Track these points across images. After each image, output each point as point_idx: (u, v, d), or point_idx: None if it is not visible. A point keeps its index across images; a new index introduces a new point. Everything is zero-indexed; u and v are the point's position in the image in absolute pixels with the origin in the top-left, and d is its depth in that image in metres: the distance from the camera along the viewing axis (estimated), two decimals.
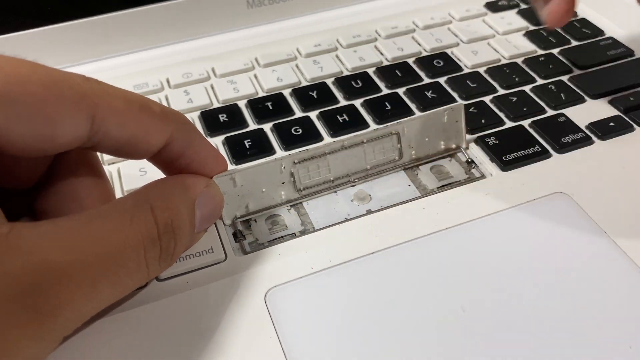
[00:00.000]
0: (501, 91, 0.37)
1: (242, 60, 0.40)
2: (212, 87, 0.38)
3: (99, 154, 0.26)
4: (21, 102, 0.19)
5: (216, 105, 0.37)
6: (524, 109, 0.35)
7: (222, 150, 0.33)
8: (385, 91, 0.37)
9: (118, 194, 0.30)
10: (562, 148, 0.32)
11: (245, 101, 0.37)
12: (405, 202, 0.29)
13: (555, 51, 0.40)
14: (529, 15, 0.44)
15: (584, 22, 0.43)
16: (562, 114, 0.34)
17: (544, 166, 0.31)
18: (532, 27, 0.43)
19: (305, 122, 0.35)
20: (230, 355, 0.23)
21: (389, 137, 0.30)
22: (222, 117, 0.35)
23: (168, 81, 0.39)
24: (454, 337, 0.23)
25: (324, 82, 0.38)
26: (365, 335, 0.24)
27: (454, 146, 0.32)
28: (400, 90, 0.37)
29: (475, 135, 0.33)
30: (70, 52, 0.40)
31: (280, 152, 0.33)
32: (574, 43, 0.41)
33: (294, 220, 0.29)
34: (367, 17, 0.44)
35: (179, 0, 0.40)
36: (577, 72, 0.38)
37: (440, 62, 0.39)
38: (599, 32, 0.42)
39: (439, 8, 0.45)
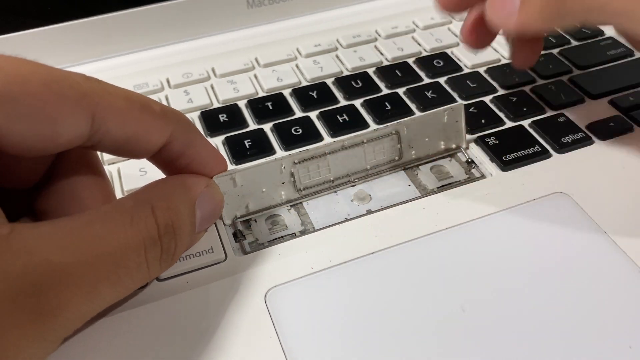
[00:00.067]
0: (501, 91, 0.37)
1: (242, 60, 0.40)
2: (212, 87, 0.38)
3: (99, 153, 0.26)
4: (22, 101, 0.19)
5: (216, 105, 0.37)
6: (524, 109, 0.35)
7: (222, 150, 0.33)
8: (385, 91, 0.37)
9: (118, 194, 0.30)
10: (562, 148, 0.32)
11: (245, 101, 0.37)
12: (405, 202, 0.29)
13: (555, 51, 0.40)
14: None
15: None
16: (562, 114, 0.34)
17: (544, 166, 0.31)
18: None
19: (305, 122, 0.35)
20: (230, 355, 0.23)
21: (389, 137, 0.30)
22: (222, 117, 0.35)
23: (168, 81, 0.39)
24: (454, 337, 0.23)
25: (324, 82, 0.38)
26: (365, 335, 0.24)
27: (454, 146, 0.32)
28: (400, 90, 0.37)
29: (475, 135, 0.33)
30: (70, 52, 0.40)
31: (280, 152, 0.33)
32: (574, 43, 0.41)
33: (294, 220, 0.29)
34: (367, 17, 0.44)
35: (179, 0, 0.40)
36: (577, 72, 0.38)
37: (440, 62, 0.39)
38: (599, 32, 0.42)
39: None
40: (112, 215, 0.20)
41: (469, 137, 0.33)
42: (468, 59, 0.40)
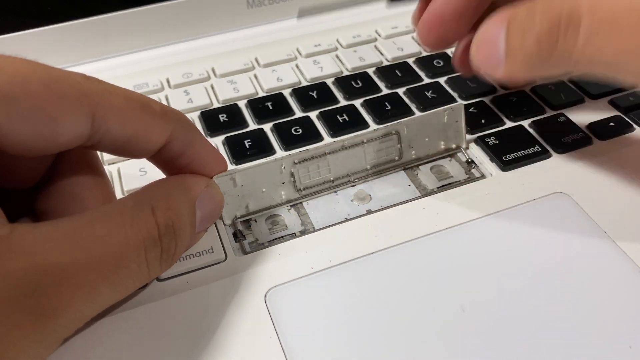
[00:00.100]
0: (501, 91, 0.37)
1: (242, 60, 0.40)
2: (212, 87, 0.38)
3: (99, 153, 0.26)
4: (22, 101, 0.19)
5: (216, 105, 0.37)
6: (524, 109, 0.35)
7: (222, 150, 0.33)
8: (385, 91, 0.37)
9: (118, 194, 0.30)
10: (562, 148, 0.32)
11: (245, 101, 0.37)
12: (405, 202, 0.29)
13: None
14: None
15: None
16: (562, 114, 0.34)
17: (544, 166, 0.31)
18: None
19: (305, 122, 0.35)
20: (230, 355, 0.23)
21: (389, 137, 0.30)
22: (222, 117, 0.35)
23: (168, 81, 0.39)
24: (454, 337, 0.23)
25: (324, 82, 0.38)
26: (365, 335, 0.24)
27: (454, 146, 0.32)
28: (400, 90, 0.37)
29: (475, 135, 0.33)
30: (70, 52, 0.40)
31: (280, 152, 0.33)
32: None
33: (294, 220, 0.29)
34: (367, 17, 0.44)
35: (179, 0, 0.40)
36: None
37: (440, 62, 0.39)
38: None
39: None
40: (112, 216, 0.20)
41: (469, 137, 0.33)
42: None
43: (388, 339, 0.23)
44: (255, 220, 0.29)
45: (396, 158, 0.31)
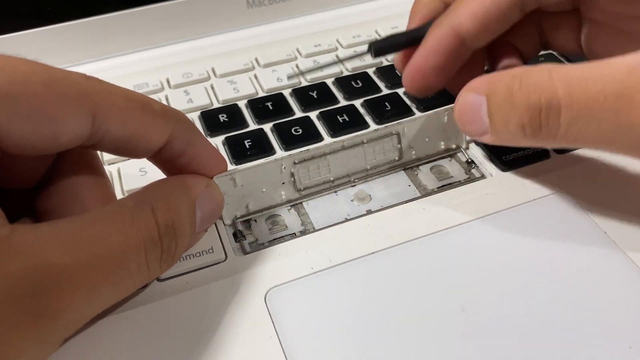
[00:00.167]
0: None
1: (242, 60, 0.40)
2: (212, 87, 0.38)
3: (99, 153, 0.26)
4: (23, 101, 0.19)
5: (216, 105, 0.37)
6: None
7: (222, 150, 0.33)
8: (385, 91, 0.37)
9: (118, 194, 0.30)
10: (562, 148, 0.32)
11: (245, 101, 0.37)
12: (405, 202, 0.29)
13: (555, 52, 0.40)
14: None
15: None
16: None
17: (544, 166, 0.31)
18: None
19: (305, 122, 0.35)
20: (230, 355, 0.23)
21: (389, 137, 0.30)
22: (222, 117, 0.35)
23: (168, 81, 0.39)
24: (454, 337, 0.23)
25: (324, 82, 0.38)
26: (365, 335, 0.24)
27: (454, 146, 0.32)
28: (400, 91, 0.37)
29: None
30: (70, 52, 0.40)
31: (280, 152, 0.33)
32: None
33: (294, 220, 0.29)
34: (367, 17, 0.44)
35: (179, 0, 0.40)
36: None
37: None
38: None
39: None
40: (112, 216, 0.20)
41: (468, 137, 0.33)
42: None
43: (388, 339, 0.23)
44: (255, 220, 0.29)
45: (396, 158, 0.31)
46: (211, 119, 0.35)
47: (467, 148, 0.32)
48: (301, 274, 0.26)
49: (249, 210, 0.29)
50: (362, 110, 0.36)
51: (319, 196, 0.30)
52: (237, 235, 0.28)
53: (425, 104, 0.36)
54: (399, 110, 0.35)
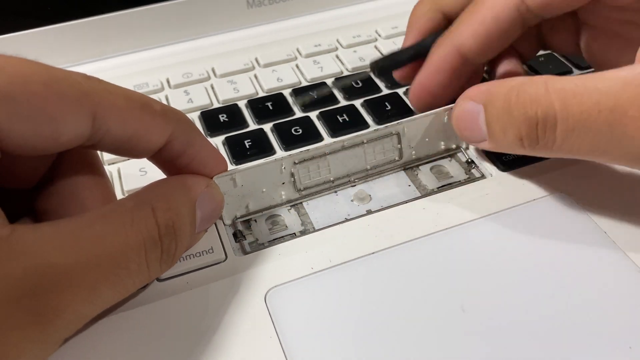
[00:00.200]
0: None
1: (242, 60, 0.40)
2: (212, 87, 0.38)
3: (99, 153, 0.26)
4: (23, 101, 0.19)
5: (216, 105, 0.37)
6: None
7: (222, 150, 0.33)
8: (385, 91, 0.37)
9: (118, 194, 0.30)
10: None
11: (245, 101, 0.37)
12: (405, 202, 0.29)
13: (554, 52, 0.40)
14: None
15: None
16: None
17: (544, 166, 0.31)
18: None
19: (305, 122, 0.35)
20: (230, 355, 0.23)
21: (389, 137, 0.30)
22: (222, 117, 0.35)
23: (168, 81, 0.39)
24: (454, 337, 0.23)
25: (324, 82, 0.38)
26: (365, 335, 0.24)
27: (454, 146, 0.32)
28: (401, 91, 0.37)
29: None
30: (70, 52, 0.40)
31: (280, 152, 0.33)
32: None
33: (294, 220, 0.29)
34: (367, 17, 0.44)
35: (179, 0, 0.40)
36: (577, 72, 0.38)
37: None
38: None
39: None
40: (112, 216, 0.20)
41: (466, 143, 0.33)
42: None
43: (388, 339, 0.23)
44: (255, 220, 0.29)
45: (396, 158, 0.31)
46: (211, 119, 0.35)
47: (467, 148, 0.32)
48: (301, 274, 0.26)
49: (249, 210, 0.29)
50: (362, 110, 0.36)
51: (319, 196, 0.30)
52: (237, 235, 0.28)
53: None
54: (399, 110, 0.35)
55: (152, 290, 0.25)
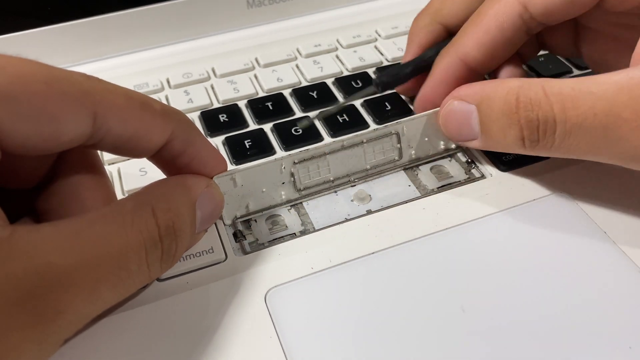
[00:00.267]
0: None
1: (242, 60, 0.40)
2: (212, 87, 0.38)
3: (99, 153, 0.26)
4: (24, 100, 0.19)
5: (216, 105, 0.37)
6: None
7: (222, 150, 0.33)
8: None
9: (118, 194, 0.30)
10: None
11: (245, 101, 0.37)
12: (405, 202, 0.29)
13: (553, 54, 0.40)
14: None
15: None
16: None
17: (544, 166, 0.31)
18: None
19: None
20: (230, 355, 0.23)
21: (389, 137, 0.30)
22: (222, 117, 0.35)
23: (168, 81, 0.39)
24: (454, 337, 0.23)
25: (324, 82, 0.38)
26: (365, 335, 0.24)
27: (453, 146, 0.32)
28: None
29: None
30: (70, 52, 0.40)
31: (280, 152, 0.33)
32: None
33: (294, 220, 0.29)
34: (367, 17, 0.44)
35: (179, 0, 0.40)
36: (577, 72, 0.38)
37: None
38: None
39: None
40: (112, 217, 0.20)
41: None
42: None
43: (388, 339, 0.23)
44: (255, 220, 0.29)
45: (396, 158, 0.31)
46: (211, 119, 0.35)
47: (467, 148, 0.32)
48: (301, 274, 0.26)
49: (249, 210, 0.29)
50: (362, 110, 0.36)
51: (319, 196, 0.30)
52: (237, 235, 0.28)
53: None
54: (399, 110, 0.35)
55: (152, 290, 0.25)
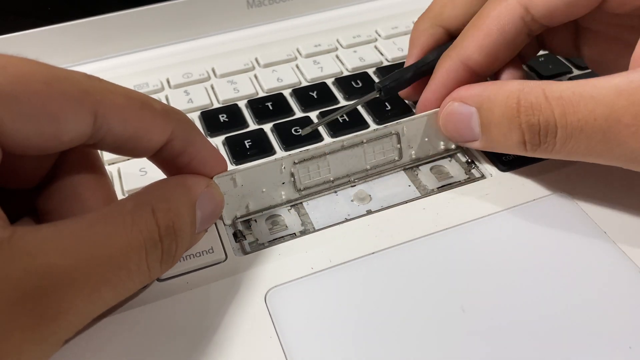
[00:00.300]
0: None
1: (242, 60, 0.40)
2: (212, 87, 0.38)
3: (99, 153, 0.26)
4: (25, 100, 0.19)
5: (216, 105, 0.37)
6: None
7: (223, 151, 0.33)
8: None
9: (118, 194, 0.30)
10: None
11: (245, 101, 0.37)
12: (405, 202, 0.29)
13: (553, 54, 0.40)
14: None
15: None
16: None
17: (544, 166, 0.31)
18: None
19: (306, 122, 0.35)
20: (230, 355, 0.23)
21: (389, 137, 0.30)
22: (222, 117, 0.35)
23: (168, 81, 0.39)
24: (454, 337, 0.23)
25: (324, 82, 0.38)
26: (365, 335, 0.24)
27: (453, 146, 0.32)
28: None
29: None
30: (70, 52, 0.40)
31: (280, 152, 0.33)
32: None
33: (294, 220, 0.29)
34: (367, 17, 0.44)
35: (179, 0, 0.40)
36: (577, 72, 0.38)
37: None
38: None
39: None
40: (112, 218, 0.20)
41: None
42: None
43: (388, 339, 0.23)
44: (256, 220, 0.29)
45: (396, 158, 0.31)
46: (211, 119, 0.35)
47: (467, 148, 0.32)
48: (301, 274, 0.26)
49: (249, 210, 0.29)
50: (362, 110, 0.36)
51: (319, 196, 0.30)
52: (237, 235, 0.28)
53: None
54: (399, 110, 0.35)
55: (152, 291, 0.25)
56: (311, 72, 0.39)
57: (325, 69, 0.39)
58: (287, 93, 0.37)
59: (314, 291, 0.25)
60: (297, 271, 0.26)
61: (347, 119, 0.35)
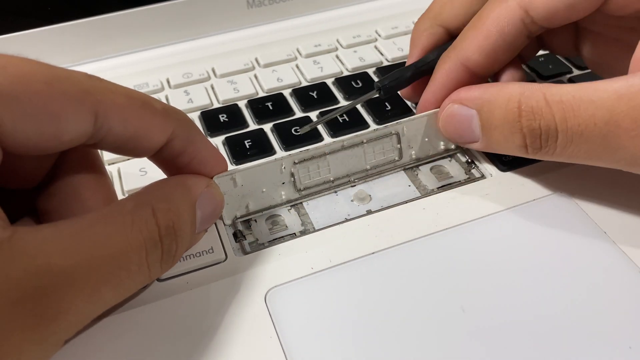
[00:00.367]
0: None
1: (242, 60, 0.40)
2: (212, 87, 0.38)
3: (99, 153, 0.26)
4: (25, 100, 0.19)
5: (216, 105, 0.37)
6: None
7: (223, 150, 0.33)
8: None
9: (119, 194, 0.30)
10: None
11: (245, 101, 0.37)
12: (405, 202, 0.29)
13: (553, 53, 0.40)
14: None
15: None
16: None
17: (544, 166, 0.31)
18: None
19: (306, 122, 0.35)
20: (230, 355, 0.23)
21: (389, 137, 0.30)
22: (222, 117, 0.35)
23: (168, 81, 0.39)
24: (454, 337, 0.23)
25: (324, 82, 0.38)
26: (365, 335, 0.24)
27: (453, 147, 0.32)
28: None
29: None
30: (70, 52, 0.40)
31: (280, 152, 0.33)
32: None
33: (294, 220, 0.29)
34: (367, 17, 0.44)
35: (179, 0, 0.40)
36: (577, 72, 0.38)
37: None
38: None
39: None
40: (113, 218, 0.20)
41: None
42: None
43: (388, 339, 0.23)
44: (256, 220, 0.29)
45: (396, 158, 0.31)
46: (211, 119, 0.35)
47: (467, 148, 0.32)
48: (301, 274, 0.26)
49: (249, 210, 0.29)
50: (362, 110, 0.36)
51: (319, 196, 0.30)
52: (237, 235, 0.28)
53: None
54: (399, 110, 0.35)
55: (152, 291, 0.25)
56: (311, 72, 0.39)
57: (325, 69, 0.39)
58: (287, 93, 0.37)
59: (314, 291, 0.25)
60: (297, 271, 0.26)
61: (347, 119, 0.35)
